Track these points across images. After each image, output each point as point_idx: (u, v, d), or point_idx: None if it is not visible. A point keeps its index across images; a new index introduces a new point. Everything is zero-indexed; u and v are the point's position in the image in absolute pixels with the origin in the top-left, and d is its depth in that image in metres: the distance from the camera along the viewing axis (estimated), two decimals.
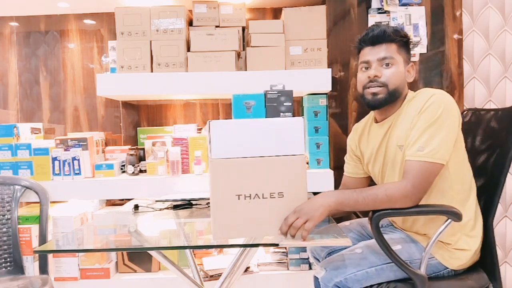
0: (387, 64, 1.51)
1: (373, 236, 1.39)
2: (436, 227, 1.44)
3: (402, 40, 1.53)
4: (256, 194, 1.31)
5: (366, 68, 1.55)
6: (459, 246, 1.49)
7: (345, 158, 1.84)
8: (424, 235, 1.53)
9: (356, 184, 1.77)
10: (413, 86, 1.67)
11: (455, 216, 1.39)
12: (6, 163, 2.30)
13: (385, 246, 1.38)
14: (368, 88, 1.53)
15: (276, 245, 1.40)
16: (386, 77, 1.50)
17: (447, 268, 1.49)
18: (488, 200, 1.56)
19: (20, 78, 2.87)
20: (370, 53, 1.53)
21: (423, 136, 1.41)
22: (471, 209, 1.51)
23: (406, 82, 1.56)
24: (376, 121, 1.64)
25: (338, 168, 2.37)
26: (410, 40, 1.57)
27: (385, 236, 1.41)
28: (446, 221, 1.41)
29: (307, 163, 2.41)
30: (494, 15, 2.38)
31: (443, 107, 1.41)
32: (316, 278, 1.50)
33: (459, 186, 1.49)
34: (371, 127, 1.68)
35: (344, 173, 1.84)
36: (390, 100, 1.53)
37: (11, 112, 2.87)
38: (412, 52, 1.61)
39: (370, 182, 1.79)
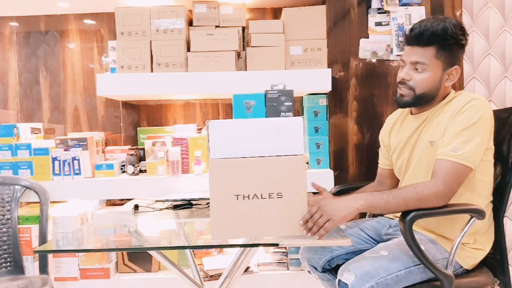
0: (419, 68, 1.49)
1: (404, 237, 1.36)
2: (456, 226, 1.45)
3: (445, 43, 1.46)
4: (255, 195, 1.31)
5: (403, 67, 1.55)
6: (476, 246, 1.49)
7: (379, 150, 1.86)
8: (441, 236, 1.52)
9: (391, 175, 1.78)
10: None
11: (480, 214, 1.40)
12: (6, 163, 2.30)
13: (417, 248, 1.36)
14: (399, 87, 1.55)
15: (276, 245, 1.40)
16: (415, 81, 1.50)
17: (462, 267, 1.49)
18: (498, 198, 1.56)
19: (20, 78, 2.87)
20: (407, 53, 1.52)
21: (458, 137, 1.40)
22: (489, 209, 1.52)
23: (443, 85, 1.52)
24: (411, 113, 1.64)
25: (338, 168, 2.37)
26: (462, 41, 1.48)
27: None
28: (470, 219, 1.40)
29: (307, 163, 2.40)
30: (494, 15, 2.38)
31: (481, 113, 1.41)
32: (344, 284, 1.41)
33: (481, 190, 1.50)
34: (405, 118, 1.68)
35: (378, 165, 1.86)
36: (417, 103, 1.54)
37: (11, 112, 2.87)
38: None
39: None
